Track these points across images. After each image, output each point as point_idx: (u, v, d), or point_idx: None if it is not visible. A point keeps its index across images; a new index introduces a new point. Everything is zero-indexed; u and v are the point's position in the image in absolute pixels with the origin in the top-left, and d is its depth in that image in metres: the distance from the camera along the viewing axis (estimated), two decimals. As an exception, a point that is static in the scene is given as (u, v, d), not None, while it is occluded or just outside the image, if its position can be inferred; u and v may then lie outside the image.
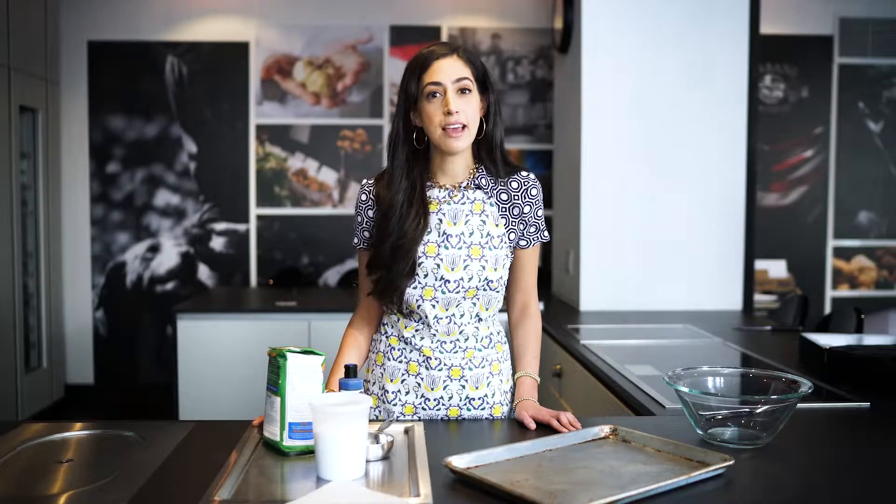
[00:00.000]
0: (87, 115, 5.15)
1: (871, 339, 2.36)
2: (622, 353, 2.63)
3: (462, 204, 1.74)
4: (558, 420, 1.61)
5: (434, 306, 1.73)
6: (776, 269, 5.28)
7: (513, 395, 1.83)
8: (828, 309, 5.32)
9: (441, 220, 1.73)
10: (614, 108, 3.69)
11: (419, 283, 1.72)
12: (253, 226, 5.23)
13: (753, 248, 3.80)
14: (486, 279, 1.73)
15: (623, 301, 3.69)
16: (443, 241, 1.72)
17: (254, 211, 5.23)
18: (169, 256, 5.21)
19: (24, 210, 4.68)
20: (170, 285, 5.21)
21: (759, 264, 4.94)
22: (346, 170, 5.24)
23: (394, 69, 5.22)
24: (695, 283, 3.72)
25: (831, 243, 5.42)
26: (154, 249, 5.21)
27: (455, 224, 1.73)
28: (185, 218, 5.21)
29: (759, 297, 4.33)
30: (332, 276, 5.25)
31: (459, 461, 1.37)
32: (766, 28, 4.16)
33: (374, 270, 1.74)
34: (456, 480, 1.34)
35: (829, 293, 5.43)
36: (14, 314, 4.42)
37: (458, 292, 1.72)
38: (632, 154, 3.69)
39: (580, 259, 3.71)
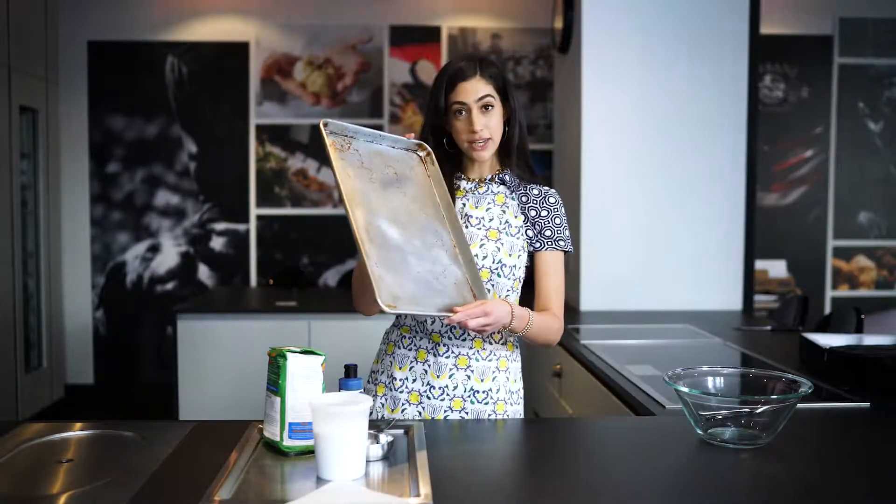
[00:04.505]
0: (86, 115, 5.15)
1: (871, 339, 2.36)
2: (622, 353, 2.63)
3: (485, 194, 1.88)
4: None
5: None
6: (776, 269, 5.28)
7: (520, 396, 1.90)
8: (828, 309, 5.32)
9: (465, 205, 1.87)
10: (614, 107, 3.69)
11: None
12: (253, 226, 5.23)
13: (753, 248, 3.80)
14: (499, 261, 1.81)
15: (623, 301, 3.69)
16: (464, 222, 1.83)
17: (254, 211, 5.23)
18: (169, 256, 5.21)
19: (24, 210, 4.68)
20: (170, 285, 5.21)
21: (759, 264, 4.94)
22: (346, 170, 5.24)
23: (394, 69, 5.23)
24: (695, 283, 3.72)
25: (831, 243, 5.42)
26: (154, 249, 5.21)
27: (476, 208, 1.86)
28: (185, 218, 5.21)
29: (759, 297, 4.33)
30: (332, 276, 5.25)
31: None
32: (766, 28, 4.17)
33: None
34: (452, 472, 1.34)
35: (829, 293, 5.43)
36: (14, 314, 4.42)
37: None
38: (632, 154, 3.69)
39: (580, 259, 3.71)
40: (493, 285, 1.81)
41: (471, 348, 1.82)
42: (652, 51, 3.67)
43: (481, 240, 1.82)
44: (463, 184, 1.90)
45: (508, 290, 1.84)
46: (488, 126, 1.80)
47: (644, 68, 3.67)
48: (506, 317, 1.69)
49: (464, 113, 1.80)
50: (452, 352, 1.81)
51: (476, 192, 1.88)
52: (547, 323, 1.80)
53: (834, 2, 5.31)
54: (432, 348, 1.82)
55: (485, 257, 1.81)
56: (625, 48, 3.67)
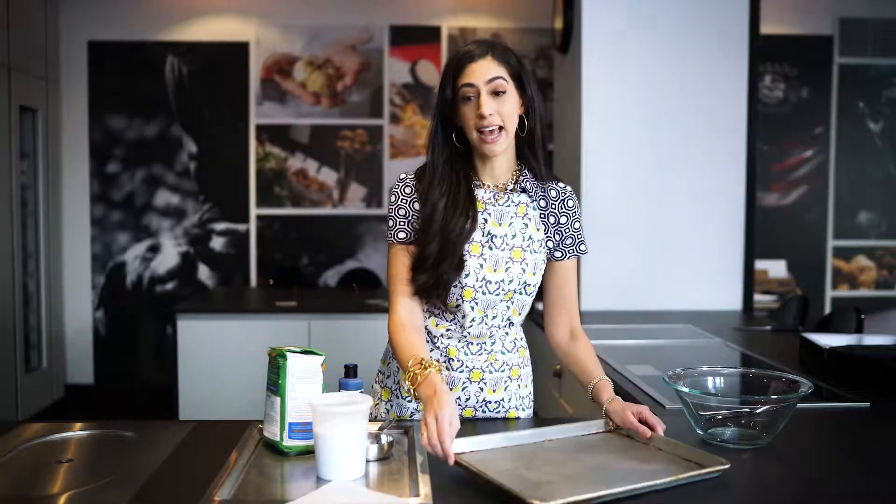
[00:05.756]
0: (87, 115, 5.15)
1: (871, 339, 2.36)
2: (622, 353, 2.62)
3: (507, 206, 1.72)
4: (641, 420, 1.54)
5: (473, 308, 1.70)
6: (776, 269, 5.28)
7: (530, 400, 1.84)
8: (828, 309, 5.32)
9: (486, 221, 1.71)
10: (614, 108, 3.69)
11: (461, 283, 1.67)
12: (253, 226, 5.23)
13: (753, 248, 3.80)
14: (524, 283, 1.71)
15: (623, 301, 3.69)
16: (487, 242, 1.70)
17: (254, 211, 5.23)
18: (169, 256, 5.21)
19: (24, 210, 4.68)
20: (170, 285, 5.21)
21: (759, 264, 4.95)
22: (345, 170, 5.24)
23: (394, 69, 5.23)
24: (695, 283, 3.72)
25: (831, 243, 5.42)
26: (154, 249, 5.21)
27: (500, 225, 1.71)
28: (185, 218, 5.21)
29: (759, 297, 4.32)
30: (332, 276, 5.25)
31: (455, 446, 1.37)
32: (766, 28, 4.17)
33: (420, 271, 1.68)
34: (452, 472, 1.34)
35: (829, 293, 5.43)
36: (14, 314, 4.42)
37: (497, 294, 1.70)
38: (632, 154, 3.69)
39: (580, 259, 3.71)
40: (512, 303, 1.72)
41: (485, 361, 1.74)
42: (652, 51, 3.67)
43: (506, 262, 1.69)
44: (480, 193, 1.72)
45: (529, 306, 1.76)
46: (500, 112, 1.62)
47: (644, 68, 3.67)
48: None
49: (472, 98, 1.63)
50: (466, 366, 1.73)
51: (497, 204, 1.71)
52: (597, 359, 1.76)
53: (834, 2, 5.31)
54: (445, 362, 1.73)
55: (511, 281, 1.69)
56: (625, 48, 3.67)
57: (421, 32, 5.22)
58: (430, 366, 1.49)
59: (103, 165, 5.17)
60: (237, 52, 5.18)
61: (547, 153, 1.75)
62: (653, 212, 3.70)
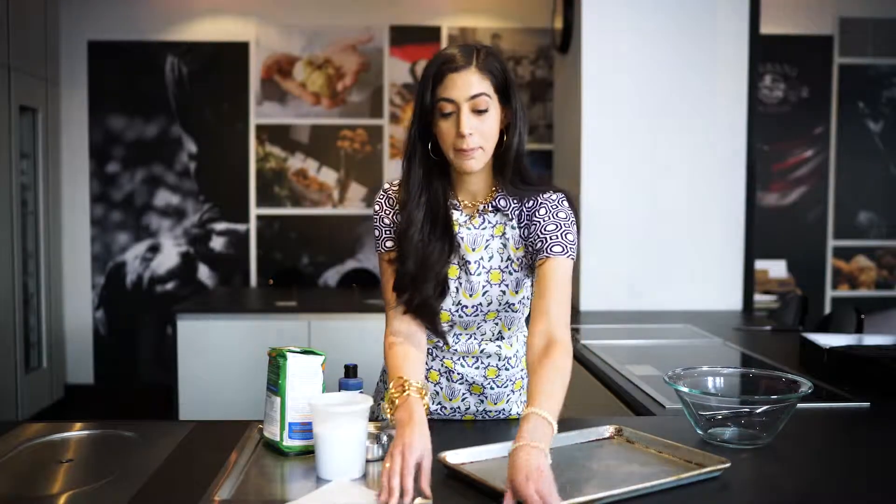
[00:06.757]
0: (87, 115, 5.15)
1: (871, 339, 2.36)
2: (622, 353, 2.62)
3: (482, 229, 1.62)
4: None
5: (452, 327, 1.66)
6: (776, 269, 5.28)
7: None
8: (828, 309, 5.32)
9: (459, 245, 1.61)
10: (614, 108, 3.69)
11: None
12: (253, 226, 5.23)
13: (753, 248, 3.80)
14: (507, 303, 1.64)
15: (623, 301, 3.69)
16: (462, 266, 1.62)
17: (254, 211, 5.23)
18: (169, 256, 5.21)
19: (24, 210, 4.68)
20: (170, 285, 5.21)
21: (759, 264, 4.94)
22: (345, 170, 5.24)
23: (394, 69, 5.22)
24: (695, 283, 3.72)
25: (831, 243, 5.42)
26: (154, 249, 5.21)
27: (474, 250, 1.61)
28: (185, 218, 5.21)
29: (759, 297, 4.32)
30: (332, 276, 5.25)
31: (454, 457, 1.37)
32: (766, 28, 4.16)
33: (401, 290, 1.60)
34: (449, 476, 1.34)
35: (829, 293, 5.43)
36: (14, 314, 4.42)
37: (476, 315, 1.64)
38: (632, 154, 3.69)
39: (580, 259, 3.71)
40: (500, 320, 1.66)
41: (485, 377, 1.70)
42: (652, 50, 3.67)
43: (483, 286, 1.61)
44: (456, 215, 1.62)
45: (515, 321, 1.70)
46: (480, 131, 1.50)
47: (644, 68, 3.67)
48: (548, 434, 1.31)
49: (451, 114, 1.50)
50: (466, 379, 1.70)
51: (471, 228, 1.62)
52: (557, 384, 1.40)
53: (834, 2, 5.31)
54: (445, 372, 1.71)
55: (489, 303, 1.62)
56: (624, 48, 3.67)
57: (421, 32, 5.22)
58: (409, 388, 1.42)
59: (103, 165, 5.17)
60: (237, 52, 5.18)
61: (523, 170, 1.59)
62: (653, 212, 3.70)
